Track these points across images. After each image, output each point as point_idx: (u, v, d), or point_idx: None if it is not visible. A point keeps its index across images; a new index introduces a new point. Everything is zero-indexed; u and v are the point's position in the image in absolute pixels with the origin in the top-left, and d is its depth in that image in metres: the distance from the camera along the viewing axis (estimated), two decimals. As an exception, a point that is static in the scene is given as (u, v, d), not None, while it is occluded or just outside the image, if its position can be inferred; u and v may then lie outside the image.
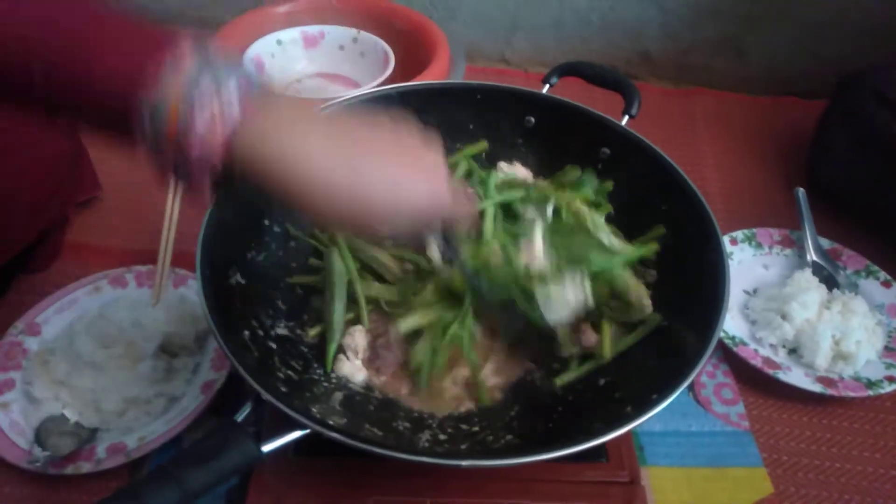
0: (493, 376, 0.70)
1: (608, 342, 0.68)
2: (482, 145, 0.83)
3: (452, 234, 0.62)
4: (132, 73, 0.39)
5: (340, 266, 0.70)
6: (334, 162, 0.45)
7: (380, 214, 0.47)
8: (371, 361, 0.69)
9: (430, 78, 0.97)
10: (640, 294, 0.70)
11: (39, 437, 0.66)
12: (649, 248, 0.72)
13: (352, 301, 0.71)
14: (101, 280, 0.83)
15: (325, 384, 0.66)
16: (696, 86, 1.29)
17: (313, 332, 0.71)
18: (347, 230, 0.49)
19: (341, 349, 0.69)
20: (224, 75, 0.41)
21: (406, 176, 0.48)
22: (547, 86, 0.85)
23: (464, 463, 0.52)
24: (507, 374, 0.70)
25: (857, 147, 0.95)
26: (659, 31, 1.26)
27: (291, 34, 1.11)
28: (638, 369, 0.67)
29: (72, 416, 0.70)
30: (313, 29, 1.12)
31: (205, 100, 0.39)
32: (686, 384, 0.55)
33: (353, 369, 0.68)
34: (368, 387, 0.68)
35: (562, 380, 0.68)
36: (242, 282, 0.68)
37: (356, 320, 0.71)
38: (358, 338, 0.69)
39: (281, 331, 0.70)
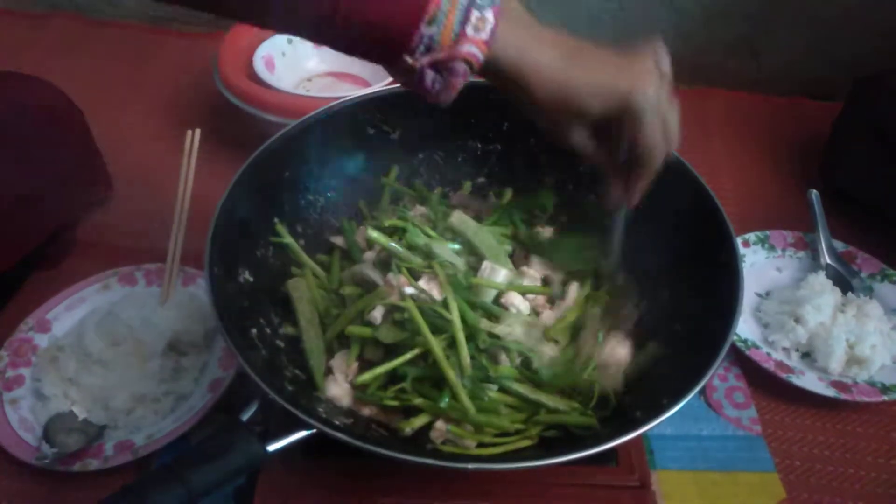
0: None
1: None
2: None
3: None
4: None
5: (307, 293, 0.69)
6: (555, 53, 0.52)
7: (576, 96, 0.53)
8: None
9: (440, 77, 0.96)
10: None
11: (48, 434, 0.66)
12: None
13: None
14: (110, 278, 0.83)
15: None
16: (710, 86, 1.28)
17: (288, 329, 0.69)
18: (550, 116, 0.55)
19: (330, 370, 0.66)
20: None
21: (614, 66, 0.54)
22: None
23: (470, 466, 0.52)
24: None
25: (874, 149, 0.94)
26: (671, 32, 1.25)
27: (303, 34, 1.11)
28: (648, 373, 0.66)
29: (80, 413, 0.70)
30: (324, 28, 1.12)
31: (471, 12, 0.47)
32: (697, 389, 0.54)
33: (340, 392, 0.64)
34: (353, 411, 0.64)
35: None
36: (251, 280, 0.68)
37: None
38: (346, 359, 0.66)
39: (289, 329, 0.69)
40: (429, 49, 0.48)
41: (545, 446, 0.60)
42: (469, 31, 0.47)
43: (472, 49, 0.48)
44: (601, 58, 0.54)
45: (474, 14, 0.47)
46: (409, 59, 0.48)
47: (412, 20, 0.46)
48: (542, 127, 0.57)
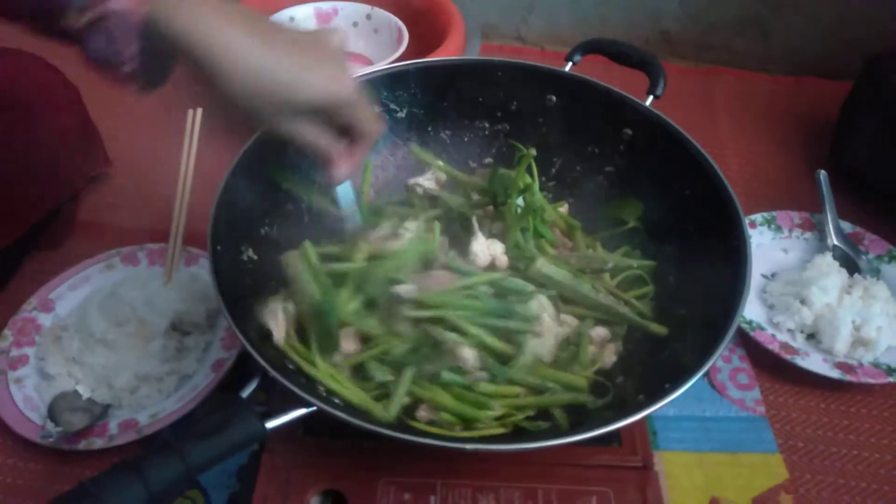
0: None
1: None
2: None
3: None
4: None
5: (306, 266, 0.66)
6: (248, 38, 0.50)
7: (283, 90, 0.52)
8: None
9: (444, 55, 0.95)
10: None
11: (52, 413, 0.67)
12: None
13: None
14: (113, 258, 0.83)
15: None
16: (717, 66, 1.26)
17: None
18: (250, 109, 0.52)
19: None
20: None
21: (313, 60, 0.53)
22: (570, 63, 0.83)
23: (468, 446, 0.52)
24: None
25: (884, 129, 0.92)
26: (679, 10, 1.24)
27: (305, 10, 1.10)
28: (652, 357, 0.66)
29: (84, 392, 0.70)
30: (327, 5, 1.11)
31: None
32: (700, 374, 0.54)
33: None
34: None
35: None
36: (254, 258, 0.67)
37: None
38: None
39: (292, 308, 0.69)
40: (81, 8, 0.45)
41: (550, 427, 0.60)
42: None
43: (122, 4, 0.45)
44: (298, 47, 0.53)
45: None
46: (67, 20, 0.46)
47: None
48: (235, 120, 0.55)
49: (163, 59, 0.52)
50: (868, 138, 0.96)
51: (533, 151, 0.73)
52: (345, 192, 0.67)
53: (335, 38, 0.56)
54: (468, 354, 0.60)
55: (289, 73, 0.51)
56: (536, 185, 0.74)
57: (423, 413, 0.60)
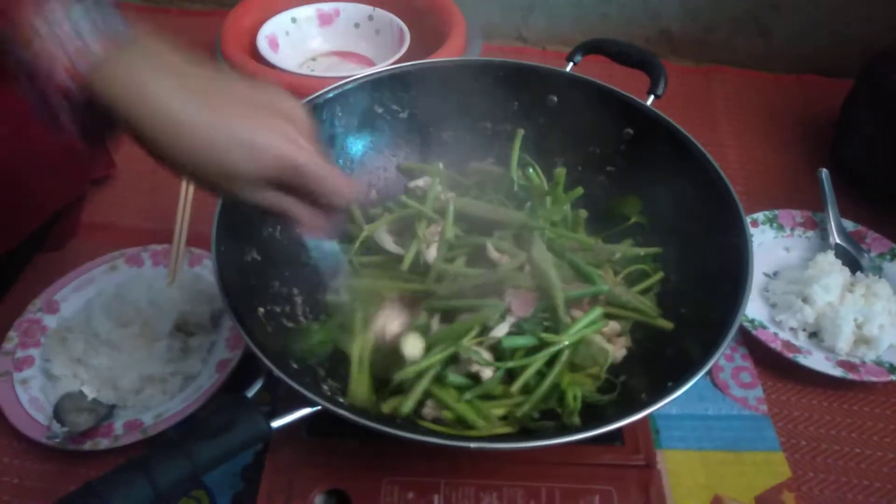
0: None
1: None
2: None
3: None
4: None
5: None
6: (186, 100, 0.45)
7: (227, 156, 0.46)
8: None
9: (446, 56, 0.95)
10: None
11: (58, 414, 0.67)
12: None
13: None
14: (117, 259, 0.83)
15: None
16: (718, 64, 1.26)
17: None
18: (195, 173, 0.47)
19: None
20: (81, 13, 0.42)
21: (260, 120, 0.47)
22: (571, 64, 0.83)
23: (472, 445, 0.52)
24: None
25: (885, 127, 0.92)
26: (680, 9, 1.24)
27: (306, 11, 1.10)
28: (654, 356, 0.66)
29: (90, 393, 0.70)
30: (328, 6, 1.11)
31: (60, 32, 0.42)
32: (702, 373, 0.54)
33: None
34: None
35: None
36: (258, 258, 0.68)
37: None
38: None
39: (297, 308, 0.70)
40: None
41: (553, 425, 0.60)
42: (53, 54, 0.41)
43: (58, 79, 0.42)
44: (242, 101, 0.47)
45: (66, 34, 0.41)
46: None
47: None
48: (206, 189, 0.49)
49: (103, 123, 0.46)
50: (869, 136, 0.96)
51: (521, 131, 0.78)
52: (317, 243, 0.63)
53: (290, 102, 0.50)
54: (478, 367, 0.61)
55: (231, 143, 0.45)
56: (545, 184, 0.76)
57: (428, 410, 0.61)
